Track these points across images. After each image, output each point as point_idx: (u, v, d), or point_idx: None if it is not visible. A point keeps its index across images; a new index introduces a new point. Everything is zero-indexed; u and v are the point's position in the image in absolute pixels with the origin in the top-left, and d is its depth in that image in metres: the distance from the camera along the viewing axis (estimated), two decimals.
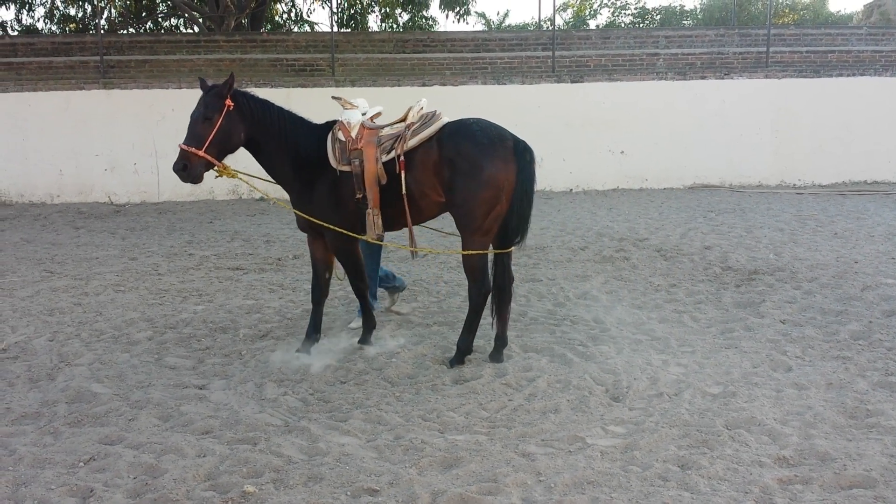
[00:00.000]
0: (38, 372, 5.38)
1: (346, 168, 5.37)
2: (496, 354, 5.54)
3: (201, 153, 5.20)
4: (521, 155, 5.22)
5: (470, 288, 5.44)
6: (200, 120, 5.25)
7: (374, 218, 5.40)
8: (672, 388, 4.94)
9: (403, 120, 5.48)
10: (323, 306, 5.89)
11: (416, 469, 3.88)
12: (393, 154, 5.30)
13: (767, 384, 4.95)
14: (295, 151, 5.47)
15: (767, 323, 6.25)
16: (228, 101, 5.27)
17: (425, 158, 5.25)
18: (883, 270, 7.87)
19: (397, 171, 5.27)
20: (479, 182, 5.16)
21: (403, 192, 5.28)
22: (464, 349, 5.49)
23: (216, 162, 5.30)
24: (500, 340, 5.57)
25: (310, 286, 7.51)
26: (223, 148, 5.34)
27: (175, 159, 5.24)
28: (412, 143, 5.27)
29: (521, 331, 6.20)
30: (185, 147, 5.22)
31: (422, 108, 5.52)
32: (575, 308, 6.85)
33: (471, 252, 5.28)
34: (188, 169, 5.20)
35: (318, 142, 5.49)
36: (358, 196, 5.38)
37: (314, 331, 5.84)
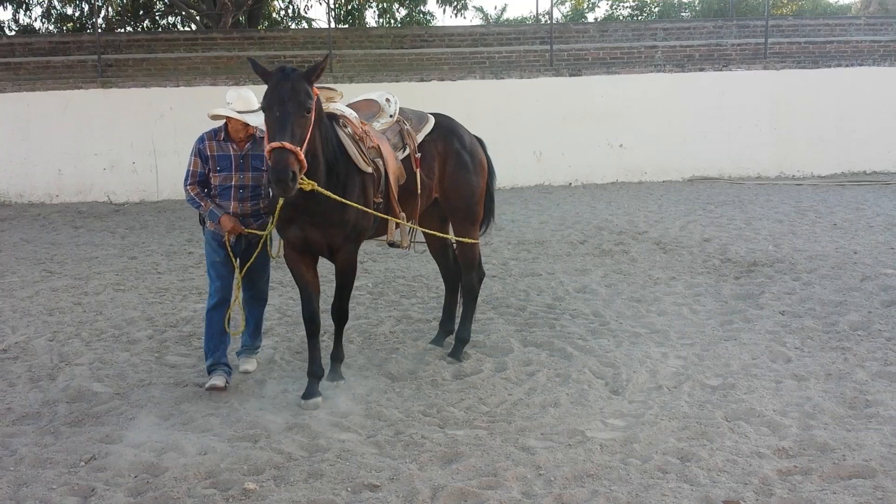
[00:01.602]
0: (39, 372, 5.39)
1: (370, 169, 4.74)
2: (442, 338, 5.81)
3: (302, 156, 4.10)
4: (484, 146, 5.70)
5: (468, 277, 5.56)
6: (301, 111, 4.12)
7: (405, 222, 4.99)
8: (671, 380, 4.95)
9: (376, 114, 5.10)
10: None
11: (416, 464, 3.89)
12: (407, 151, 5.08)
13: (767, 375, 4.96)
14: (327, 153, 4.56)
15: (767, 314, 6.25)
16: (315, 90, 4.28)
17: (431, 153, 5.24)
18: (882, 261, 7.87)
19: (414, 169, 5.09)
20: (478, 173, 5.42)
21: (419, 190, 5.09)
22: (467, 339, 5.56)
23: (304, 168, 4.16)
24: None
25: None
26: (308, 150, 4.23)
27: (275, 164, 3.97)
28: (419, 138, 5.19)
29: (520, 325, 6.21)
30: (290, 147, 4.00)
31: (392, 101, 5.22)
32: (574, 302, 6.85)
33: (471, 240, 5.50)
34: (297, 178, 4.05)
35: (337, 140, 4.68)
36: (378, 200, 4.81)
37: (316, 366, 4.87)
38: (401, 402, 4.75)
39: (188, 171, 4.99)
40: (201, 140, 4.98)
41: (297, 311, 6.78)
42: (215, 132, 4.99)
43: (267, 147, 4.08)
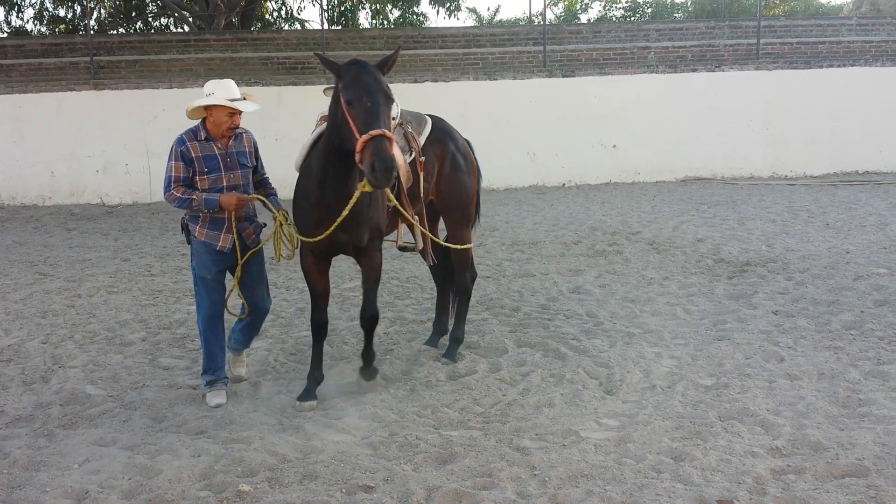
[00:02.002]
0: (32, 374, 5.37)
1: None
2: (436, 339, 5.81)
3: (395, 146, 4.05)
4: (471, 147, 5.70)
5: (462, 278, 5.59)
6: (389, 101, 4.10)
7: (419, 225, 4.95)
8: (665, 380, 4.96)
9: None
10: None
11: (410, 465, 3.89)
12: (413, 154, 5.00)
13: (760, 375, 4.98)
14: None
15: (760, 314, 6.27)
16: None
17: (430, 156, 5.23)
18: (874, 260, 7.90)
19: (419, 171, 5.02)
20: (470, 174, 5.46)
21: (421, 193, 5.05)
22: (461, 339, 5.59)
23: None
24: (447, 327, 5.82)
25: (304, 285, 7.50)
26: None
27: (379, 151, 3.83)
28: (421, 141, 5.16)
29: (514, 326, 6.21)
30: (389, 134, 3.93)
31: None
32: (568, 302, 6.86)
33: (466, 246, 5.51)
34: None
35: None
36: (390, 203, 4.75)
37: (318, 371, 4.89)
38: (395, 403, 4.75)
39: (168, 177, 4.61)
40: (181, 142, 4.61)
41: (290, 313, 6.78)
42: (194, 132, 4.66)
43: (362, 138, 3.91)
